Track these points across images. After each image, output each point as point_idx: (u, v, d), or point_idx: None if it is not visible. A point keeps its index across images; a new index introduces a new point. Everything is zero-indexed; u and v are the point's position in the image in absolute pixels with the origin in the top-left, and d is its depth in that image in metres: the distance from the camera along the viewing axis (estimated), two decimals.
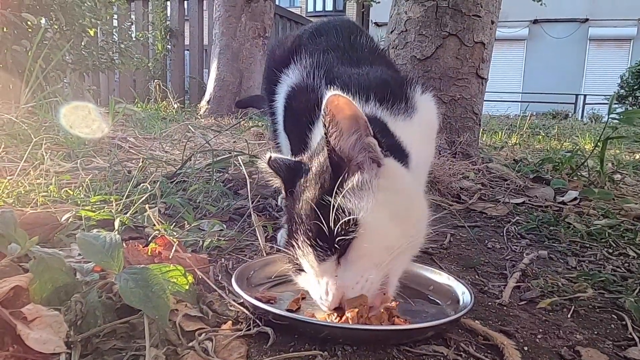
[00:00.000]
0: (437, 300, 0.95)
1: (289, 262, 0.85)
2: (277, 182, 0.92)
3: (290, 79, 1.21)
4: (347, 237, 0.75)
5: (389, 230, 0.79)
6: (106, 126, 2.10)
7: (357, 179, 0.79)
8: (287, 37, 1.50)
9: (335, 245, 0.76)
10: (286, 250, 0.84)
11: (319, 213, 0.77)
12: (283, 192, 0.91)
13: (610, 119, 2.32)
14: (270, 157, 0.88)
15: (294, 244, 0.81)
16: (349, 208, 0.76)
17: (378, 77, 1.07)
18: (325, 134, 0.76)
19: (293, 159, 0.92)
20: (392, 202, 0.80)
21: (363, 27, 1.51)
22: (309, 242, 0.78)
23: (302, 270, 0.83)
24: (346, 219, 0.75)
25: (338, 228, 0.75)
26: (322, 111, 0.74)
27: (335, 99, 0.74)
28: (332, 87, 1.06)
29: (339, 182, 0.78)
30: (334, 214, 0.75)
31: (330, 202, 0.76)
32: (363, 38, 1.30)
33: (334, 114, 0.75)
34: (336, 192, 0.77)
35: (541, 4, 9.51)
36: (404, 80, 1.12)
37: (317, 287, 0.80)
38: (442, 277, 0.99)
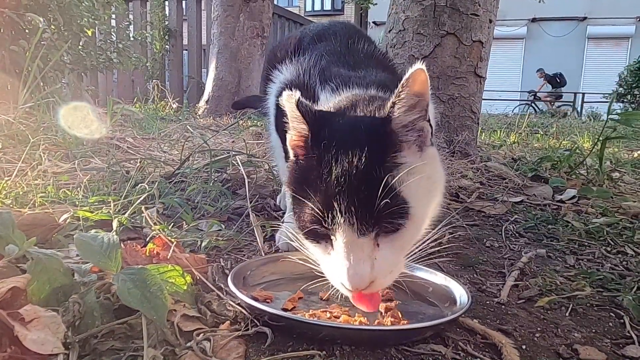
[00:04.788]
0: (436, 302, 0.95)
1: (309, 221, 0.77)
2: (302, 127, 0.80)
3: (283, 75, 1.21)
4: (398, 222, 0.73)
5: (426, 221, 0.80)
6: (104, 127, 2.10)
7: (410, 160, 0.77)
8: (288, 38, 1.50)
9: (381, 223, 0.73)
10: (313, 206, 0.75)
11: (372, 184, 0.72)
12: (300, 140, 0.82)
13: (609, 119, 2.32)
14: (299, 98, 0.79)
15: (333, 205, 0.73)
16: (403, 192, 0.74)
17: (373, 80, 1.07)
18: (394, 102, 0.75)
19: (321, 108, 0.87)
20: (430, 192, 0.80)
21: (364, 31, 1.51)
22: (354, 211, 0.72)
23: (321, 238, 0.78)
24: (401, 205, 0.73)
25: (390, 209, 0.72)
26: (404, 80, 0.73)
27: (419, 72, 0.73)
28: (327, 86, 1.06)
29: (392, 156, 0.76)
30: (388, 192, 0.71)
31: (382, 176, 0.72)
32: (361, 43, 1.29)
33: (410, 87, 0.74)
34: (391, 168, 0.74)
35: (540, 1, 9.51)
36: (398, 82, 1.11)
37: (345, 263, 0.74)
38: (439, 278, 0.99)
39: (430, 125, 0.81)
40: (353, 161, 0.73)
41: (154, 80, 5.88)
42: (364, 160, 0.73)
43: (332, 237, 0.75)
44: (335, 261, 0.76)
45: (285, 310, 0.85)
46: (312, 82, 1.10)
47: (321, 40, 1.29)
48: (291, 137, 0.83)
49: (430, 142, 0.82)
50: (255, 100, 2.11)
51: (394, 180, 0.73)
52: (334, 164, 0.74)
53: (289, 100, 0.79)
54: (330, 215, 0.73)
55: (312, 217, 0.76)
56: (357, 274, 0.73)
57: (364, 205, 0.72)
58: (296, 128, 0.81)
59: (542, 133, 4.89)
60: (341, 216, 0.72)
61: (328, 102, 1.02)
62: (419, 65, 0.73)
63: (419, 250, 0.83)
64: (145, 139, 2.61)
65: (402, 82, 0.73)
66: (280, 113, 1.21)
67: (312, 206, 0.75)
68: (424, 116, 0.78)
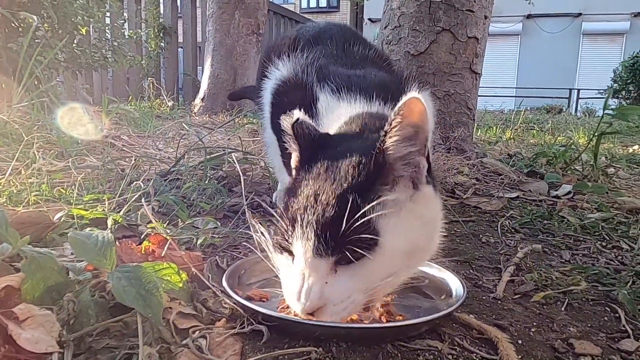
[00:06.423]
0: (431, 295, 0.95)
1: (277, 233, 0.76)
2: (293, 148, 0.81)
3: (279, 71, 1.20)
4: (361, 252, 0.69)
5: (399, 260, 0.74)
6: (100, 127, 2.08)
7: (393, 193, 0.73)
8: (283, 38, 1.49)
9: (343, 249, 0.69)
10: (281, 220, 0.75)
11: (340, 206, 0.69)
12: (295, 162, 0.82)
13: (604, 114, 2.33)
14: (299, 118, 0.78)
15: (297, 219, 0.72)
16: (375, 222, 0.70)
17: (374, 81, 1.06)
18: (386, 131, 0.71)
19: (320, 131, 0.85)
20: (415, 232, 0.75)
21: (359, 33, 1.50)
22: (315, 228, 0.70)
23: (285, 250, 0.76)
24: (369, 235, 0.68)
25: (355, 237, 0.68)
26: (397, 108, 0.69)
27: (415, 102, 0.68)
28: (326, 86, 1.05)
29: (374, 186, 0.72)
30: (357, 220, 0.68)
31: (353, 201, 0.69)
32: (357, 46, 1.29)
33: (405, 117, 0.69)
34: (367, 196, 0.71)
35: (529, 3, 9.61)
36: (399, 82, 1.11)
37: (296, 281, 0.73)
38: (434, 270, 1.00)
39: (428, 161, 0.77)
40: (329, 183, 0.72)
41: (149, 78, 5.84)
42: (340, 183, 0.72)
43: (292, 251, 0.74)
44: (289, 276, 0.75)
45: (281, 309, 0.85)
46: (310, 81, 1.09)
47: (317, 44, 1.29)
48: (293, 158, 0.83)
49: (425, 180, 0.77)
50: (251, 90, 2.11)
51: (365, 208, 0.68)
52: (311, 184, 0.74)
53: (287, 120, 0.79)
54: (291, 227, 0.73)
55: (279, 229, 0.75)
56: (304, 294, 0.71)
57: (327, 225, 0.69)
58: (291, 149, 0.82)
59: (537, 129, 4.90)
60: (301, 230, 0.71)
61: (328, 103, 1.02)
62: (414, 94, 0.68)
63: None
64: (141, 137, 2.60)
65: (394, 110, 0.70)
66: (276, 110, 1.21)
67: (280, 220, 0.75)
68: (421, 151, 0.74)
